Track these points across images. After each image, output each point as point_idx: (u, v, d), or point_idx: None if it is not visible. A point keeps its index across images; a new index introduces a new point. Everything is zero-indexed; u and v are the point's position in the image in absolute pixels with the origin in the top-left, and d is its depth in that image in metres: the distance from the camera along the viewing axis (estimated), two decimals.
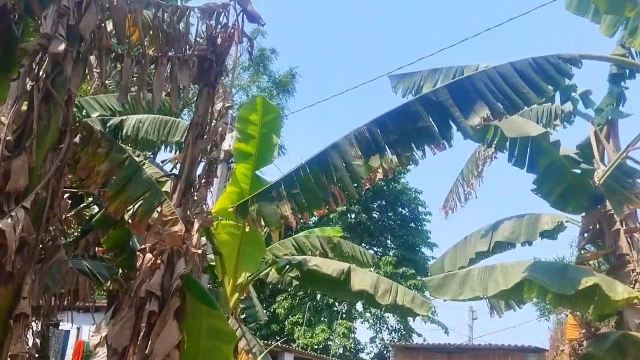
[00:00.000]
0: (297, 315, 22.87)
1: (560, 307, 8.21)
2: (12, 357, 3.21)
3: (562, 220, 5.41)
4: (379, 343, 24.34)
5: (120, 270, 5.75)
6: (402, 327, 24.45)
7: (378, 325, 24.74)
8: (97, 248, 5.92)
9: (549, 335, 15.81)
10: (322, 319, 23.01)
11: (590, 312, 4.72)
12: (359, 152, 4.36)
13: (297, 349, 19.78)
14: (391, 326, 24.76)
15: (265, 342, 14.43)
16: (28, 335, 5.06)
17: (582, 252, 5.02)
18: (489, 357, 14.90)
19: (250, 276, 6.08)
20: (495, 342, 15.86)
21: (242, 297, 8.03)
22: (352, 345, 22.53)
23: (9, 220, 3.14)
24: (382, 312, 23.68)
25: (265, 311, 19.12)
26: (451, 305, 31.29)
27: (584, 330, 4.58)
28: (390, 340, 22.59)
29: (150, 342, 3.88)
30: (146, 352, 3.86)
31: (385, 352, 23.33)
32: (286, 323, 23.04)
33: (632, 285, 4.58)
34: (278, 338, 22.11)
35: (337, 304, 23.14)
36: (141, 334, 3.93)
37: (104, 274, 5.42)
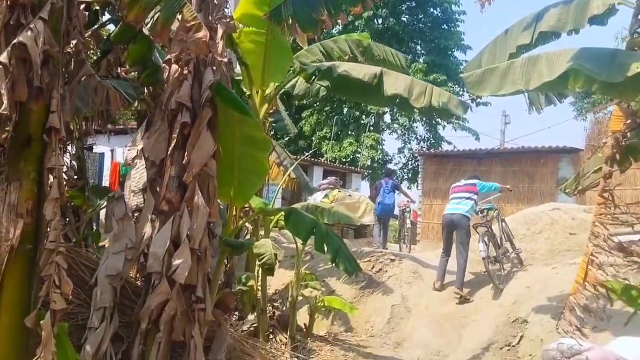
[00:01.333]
0: (325, 130, 23.45)
1: (606, 97, 8.09)
2: (49, 170, 3.40)
3: (614, 2, 5.07)
4: (408, 153, 25.19)
5: (146, 90, 5.80)
6: (431, 136, 25.05)
7: (406, 135, 25.37)
8: (119, 68, 5.91)
9: (585, 134, 15.84)
10: (349, 132, 23.60)
11: (638, 102, 4.66)
12: None
13: (325, 162, 20.62)
14: (420, 136, 25.40)
15: (295, 156, 15.02)
16: (65, 158, 5.33)
17: (635, 36, 4.77)
18: (520, 160, 15.21)
19: (278, 86, 6.07)
20: (528, 145, 16.11)
21: (271, 111, 8.14)
22: (380, 156, 23.37)
23: (29, 32, 3.10)
24: (410, 123, 24.08)
25: None
26: (483, 111, 31.41)
27: (629, 121, 4.54)
28: (420, 150, 23.26)
29: (186, 153, 4.05)
30: (183, 162, 4.05)
31: (413, 161, 24.21)
32: (313, 139, 23.75)
33: None
34: (306, 153, 22.98)
35: (364, 116, 23.48)
36: (173, 144, 4.09)
37: (131, 93, 5.46)
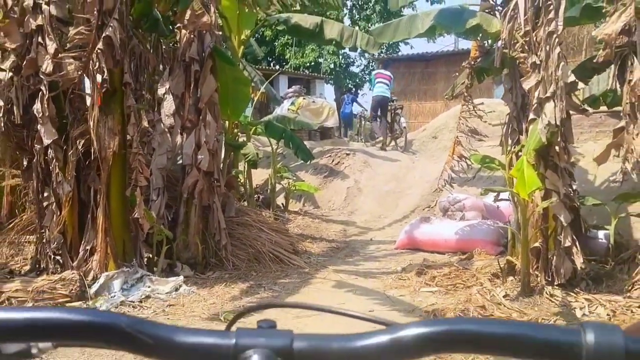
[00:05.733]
0: (286, 37, 25.69)
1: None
2: (127, 107, 6.29)
3: None
4: (368, 56, 27.85)
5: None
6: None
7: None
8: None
9: None
10: None
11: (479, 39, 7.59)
12: None
13: (289, 70, 23.23)
14: None
15: (258, 66, 17.60)
16: None
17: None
18: (461, 61, 18.17)
19: (249, 32, 8.87)
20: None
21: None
22: (342, 61, 25.99)
23: (110, 28, 5.88)
24: (369, 26, 26.59)
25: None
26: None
27: (478, 52, 7.49)
28: (380, 53, 25.91)
29: (198, 89, 6.95)
30: (198, 96, 6.96)
31: (371, 65, 27.01)
32: (276, 44, 26.01)
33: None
34: (269, 59, 25.31)
35: None
36: (192, 85, 6.97)
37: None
